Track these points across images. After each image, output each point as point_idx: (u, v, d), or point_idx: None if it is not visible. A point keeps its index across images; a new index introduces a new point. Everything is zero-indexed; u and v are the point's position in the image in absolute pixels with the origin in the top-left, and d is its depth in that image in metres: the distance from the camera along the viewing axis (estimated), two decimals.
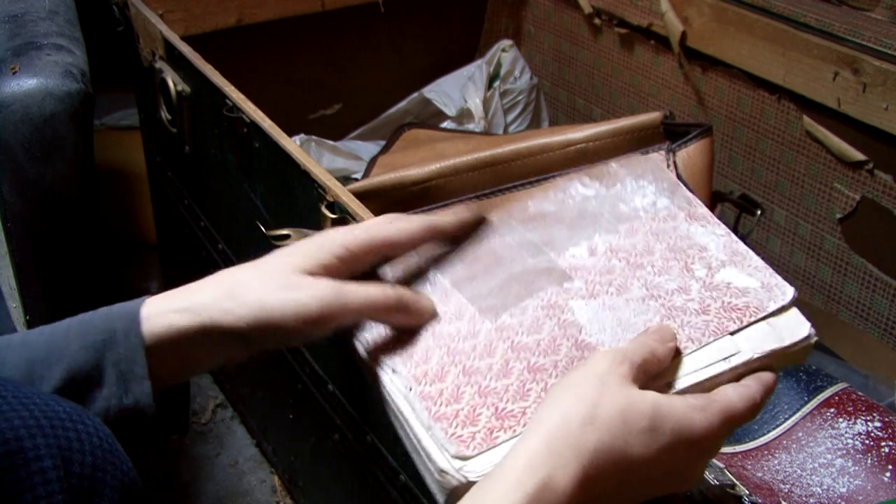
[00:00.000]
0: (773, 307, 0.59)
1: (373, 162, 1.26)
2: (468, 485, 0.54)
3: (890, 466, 0.80)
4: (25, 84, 0.95)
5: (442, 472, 0.55)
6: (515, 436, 0.55)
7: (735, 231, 1.05)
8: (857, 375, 1.07)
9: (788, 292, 0.60)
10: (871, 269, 1.10)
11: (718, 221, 0.65)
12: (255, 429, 1.30)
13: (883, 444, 0.82)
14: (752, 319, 0.59)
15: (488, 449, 0.55)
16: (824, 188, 1.14)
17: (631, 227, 0.65)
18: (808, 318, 0.61)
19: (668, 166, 0.97)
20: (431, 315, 0.62)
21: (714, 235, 0.64)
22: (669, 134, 1.00)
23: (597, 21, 1.42)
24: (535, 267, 0.63)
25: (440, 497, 0.56)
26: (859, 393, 0.89)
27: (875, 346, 1.11)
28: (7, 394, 0.49)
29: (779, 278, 0.61)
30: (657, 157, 0.72)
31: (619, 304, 0.60)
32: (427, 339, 0.61)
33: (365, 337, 0.63)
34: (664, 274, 0.62)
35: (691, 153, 0.99)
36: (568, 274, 0.62)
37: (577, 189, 0.69)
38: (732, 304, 0.59)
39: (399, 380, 0.59)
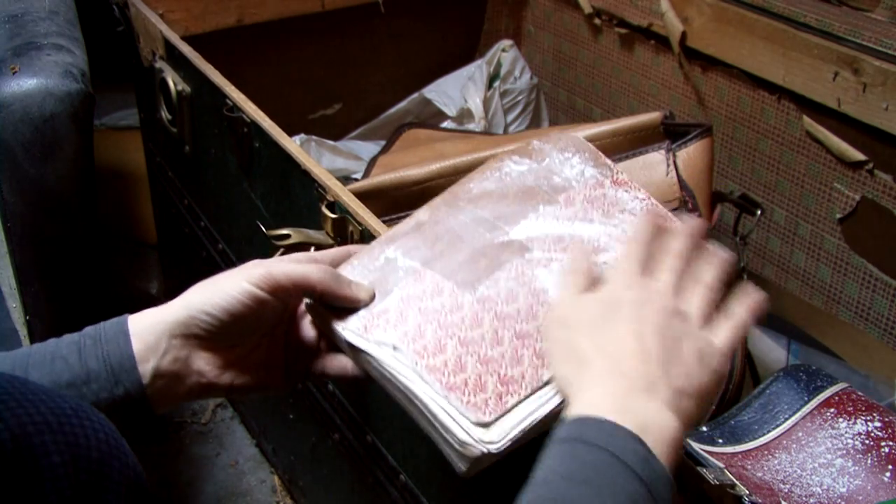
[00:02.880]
0: None
1: (373, 162, 1.26)
2: (489, 455, 0.58)
3: (890, 466, 0.80)
4: (25, 84, 0.95)
5: (463, 444, 0.58)
6: (522, 399, 0.59)
7: (735, 231, 1.05)
8: (857, 375, 1.07)
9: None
10: (871, 269, 1.10)
11: (638, 186, 0.72)
12: (255, 429, 1.30)
13: (883, 444, 0.82)
14: None
15: (503, 414, 0.59)
16: (824, 188, 1.14)
17: (568, 197, 0.71)
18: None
19: (668, 166, 0.97)
20: (368, 293, 0.66)
21: (637, 200, 0.71)
22: (669, 134, 1.00)
23: (597, 21, 1.42)
24: (493, 241, 0.68)
25: (462, 465, 0.60)
26: (859, 393, 0.89)
27: (875, 346, 1.11)
28: (14, 391, 0.50)
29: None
30: (574, 133, 0.78)
31: None
32: (416, 316, 0.64)
33: (354, 324, 0.65)
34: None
35: (691, 153, 0.99)
36: (525, 245, 0.68)
37: (511, 167, 0.74)
38: None
39: (403, 356, 0.62)
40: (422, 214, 0.71)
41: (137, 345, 0.62)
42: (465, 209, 0.70)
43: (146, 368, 0.62)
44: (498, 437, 0.59)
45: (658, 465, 0.53)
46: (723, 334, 0.61)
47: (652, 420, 0.54)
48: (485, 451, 0.58)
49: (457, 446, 0.59)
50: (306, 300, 0.67)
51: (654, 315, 0.59)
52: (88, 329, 0.64)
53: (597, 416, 0.54)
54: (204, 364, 0.65)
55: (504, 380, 0.60)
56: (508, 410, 0.59)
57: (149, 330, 0.63)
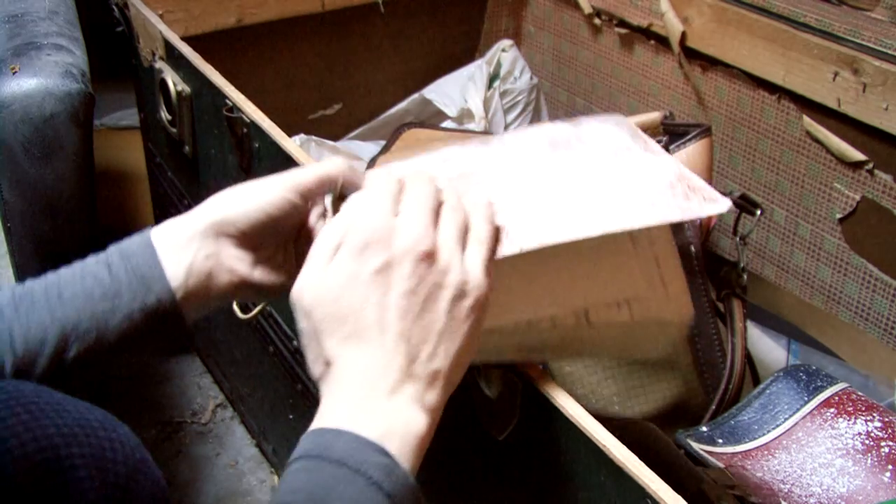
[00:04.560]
0: (709, 211, 0.65)
1: (373, 162, 1.26)
2: None
3: (890, 466, 0.80)
4: (25, 84, 0.95)
5: None
6: None
7: (735, 231, 1.05)
8: (857, 375, 1.07)
9: (724, 205, 0.66)
10: (871, 269, 1.10)
11: (670, 157, 0.70)
12: (255, 429, 1.30)
13: (883, 444, 0.82)
14: (690, 216, 0.65)
15: None
16: (824, 188, 1.14)
17: (590, 148, 0.70)
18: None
19: None
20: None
21: (664, 162, 0.70)
22: (669, 134, 1.00)
23: (597, 21, 1.42)
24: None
25: None
26: (859, 393, 0.89)
27: (875, 346, 1.11)
28: (40, 401, 0.49)
29: (717, 194, 0.67)
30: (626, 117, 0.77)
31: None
32: None
33: None
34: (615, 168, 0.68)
35: (691, 153, 0.99)
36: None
37: (548, 126, 0.73)
38: (678, 204, 0.66)
39: None
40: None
41: (168, 247, 0.62)
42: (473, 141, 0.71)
43: (178, 270, 0.62)
44: None
45: (402, 474, 0.50)
46: (472, 255, 0.58)
47: (396, 422, 0.51)
48: None
49: None
50: (327, 198, 0.66)
51: (402, 278, 0.54)
52: (112, 247, 0.63)
53: (335, 427, 0.50)
54: (236, 261, 0.64)
55: None
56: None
57: (180, 231, 0.63)
